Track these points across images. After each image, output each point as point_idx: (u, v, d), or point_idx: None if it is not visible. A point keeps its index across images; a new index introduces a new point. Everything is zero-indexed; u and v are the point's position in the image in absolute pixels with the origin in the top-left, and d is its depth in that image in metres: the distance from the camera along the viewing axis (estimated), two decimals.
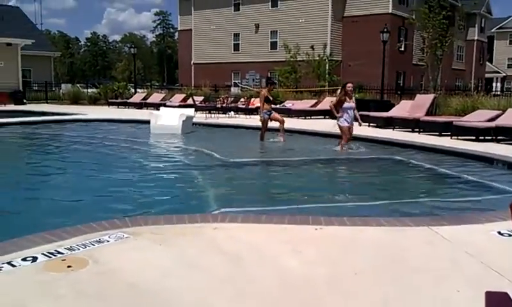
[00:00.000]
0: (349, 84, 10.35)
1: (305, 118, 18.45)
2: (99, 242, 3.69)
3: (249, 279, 3.19)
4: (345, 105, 10.07)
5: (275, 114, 11.70)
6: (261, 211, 5.02)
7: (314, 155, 10.08)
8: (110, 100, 26.33)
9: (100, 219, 4.25)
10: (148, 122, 13.52)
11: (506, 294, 1.80)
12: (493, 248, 3.89)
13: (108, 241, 3.72)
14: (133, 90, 30.80)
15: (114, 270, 3.23)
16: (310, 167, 8.94)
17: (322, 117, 18.88)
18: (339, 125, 10.18)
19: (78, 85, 38.83)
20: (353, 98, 10.39)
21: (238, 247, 3.73)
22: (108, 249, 3.57)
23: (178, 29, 47.82)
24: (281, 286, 3.11)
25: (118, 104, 25.54)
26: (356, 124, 10.36)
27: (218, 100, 20.62)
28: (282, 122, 11.58)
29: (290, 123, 13.58)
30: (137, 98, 26.46)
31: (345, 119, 10.08)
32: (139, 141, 11.91)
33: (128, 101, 25.84)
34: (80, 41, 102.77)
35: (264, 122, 11.53)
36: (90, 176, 7.53)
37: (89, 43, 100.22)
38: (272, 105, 12.12)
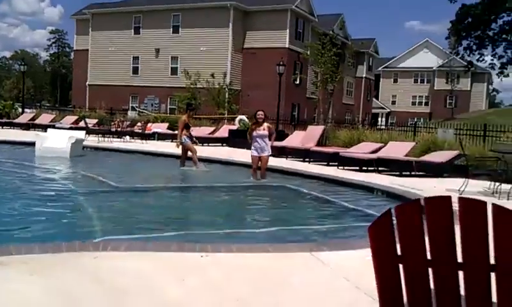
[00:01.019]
0: (259, 112, 10.03)
1: (202, 145, 18.46)
2: None
3: None
4: (254, 133, 9.92)
5: (189, 143, 11.33)
6: (147, 238, 4.88)
7: (211, 182, 10.03)
8: None
9: None
10: (33, 144, 12.67)
11: None
12: (368, 273, 4.11)
13: None
14: (21, 110, 28.77)
15: None
16: (203, 193, 8.91)
17: (220, 144, 19.05)
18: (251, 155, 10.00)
19: None
20: (265, 125, 9.94)
21: (119, 277, 3.58)
22: None
23: (74, 48, 45.90)
24: None
25: (3, 125, 23.76)
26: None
27: (113, 123, 19.96)
28: (195, 152, 11.26)
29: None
30: (24, 118, 24.81)
31: (253, 148, 9.93)
32: (21, 164, 11.06)
33: (14, 121, 24.18)
34: None
35: (184, 148, 11.22)
36: None
37: None
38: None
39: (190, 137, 11.38)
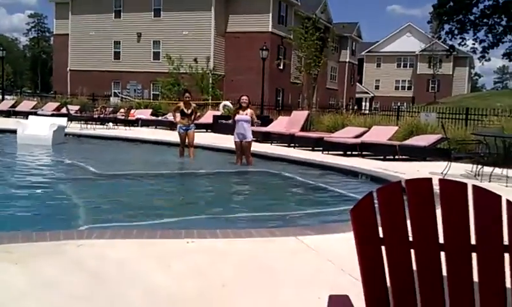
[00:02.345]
0: (243, 97, 9.98)
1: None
2: None
3: (112, 298, 3.06)
4: (237, 117, 9.86)
5: (191, 133, 10.67)
6: (132, 226, 4.86)
7: (196, 168, 9.98)
8: None
9: None
10: (15, 132, 12.47)
11: (347, 296, 1.93)
12: (353, 256, 4.16)
13: None
14: (0, 97, 28.26)
15: None
16: (191, 180, 8.89)
17: (204, 130, 18.97)
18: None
19: None
20: (248, 111, 9.88)
21: (103, 265, 3.57)
22: None
23: (54, 33, 45.00)
24: (147, 303, 3.03)
25: None
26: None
27: (96, 110, 19.73)
28: (190, 143, 10.77)
29: (173, 136, 13.38)
30: (4, 105, 24.41)
31: (236, 134, 9.84)
32: (2, 151, 10.91)
33: None
34: None
35: (180, 137, 10.71)
36: None
37: None
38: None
39: (187, 126, 10.58)
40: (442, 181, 1.89)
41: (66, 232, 4.33)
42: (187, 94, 10.51)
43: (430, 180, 1.92)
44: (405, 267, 1.97)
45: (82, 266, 3.51)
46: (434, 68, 56.23)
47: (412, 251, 1.96)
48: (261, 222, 5.67)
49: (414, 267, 1.99)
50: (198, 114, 10.82)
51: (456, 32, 34.12)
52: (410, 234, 1.97)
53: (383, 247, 1.98)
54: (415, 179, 1.95)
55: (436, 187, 1.90)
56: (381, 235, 1.98)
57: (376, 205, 1.99)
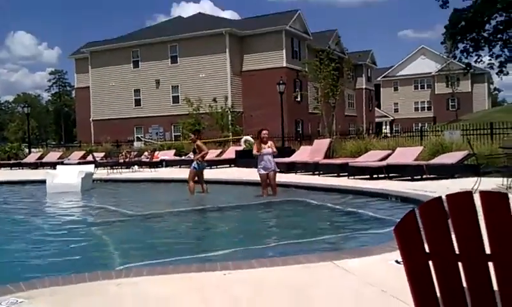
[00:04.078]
0: (264, 131, 10.16)
1: (211, 168, 18.53)
2: None
3: None
4: (263, 151, 9.99)
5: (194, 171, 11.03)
6: (168, 262, 4.88)
7: (225, 202, 10.02)
8: (2, 162, 24.56)
9: None
10: (44, 182, 12.76)
11: None
12: (392, 276, 4.10)
13: None
14: (27, 150, 29.05)
15: None
16: (218, 214, 8.92)
17: (228, 166, 19.09)
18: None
19: None
20: (269, 143, 10.09)
21: (144, 302, 3.58)
22: None
23: (75, 86, 46.44)
24: None
25: (11, 166, 23.95)
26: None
27: (120, 155, 20.10)
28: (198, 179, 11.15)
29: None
30: (32, 157, 25.05)
31: (260, 167, 10.01)
32: (35, 201, 11.16)
33: (23, 161, 24.40)
34: None
35: (191, 174, 10.99)
36: None
37: None
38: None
39: (198, 163, 10.94)
40: (483, 193, 1.90)
41: (104, 272, 4.37)
42: (190, 135, 10.64)
43: (470, 192, 1.95)
44: (454, 279, 1.96)
45: (123, 304, 3.53)
46: (452, 87, 55.89)
47: (459, 263, 1.95)
48: (295, 249, 5.62)
49: (463, 279, 1.98)
50: (203, 152, 11.03)
51: (470, 50, 33.93)
52: (456, 247, 1.97)
53: (430, 262, 1.98)
54: (456, 193, 1.97)
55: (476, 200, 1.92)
56: (427, 250, 1.99)
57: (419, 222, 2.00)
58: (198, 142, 11.15)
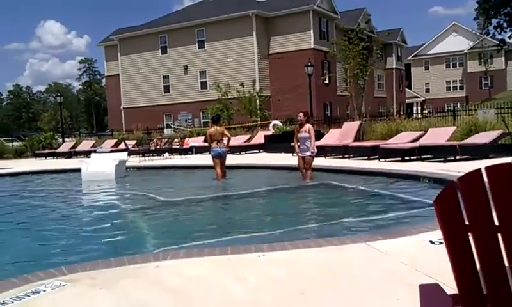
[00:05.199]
0: (299, 114, 10.27)
1: (240, 153, 18.64)
2: (34, 292, 3.51)
3: None
4: (299, 135, 10.12)
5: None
6: (204, 245, 4.99)
7: (256, 187, 10.10)
8: (37, 152, 25.25)
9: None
10: (79, 170, 13.09)
11: (437, 285, 1.93)
12: (426, 256, 4.10)
13: (44, 291, 3.54)
14: (61, 140, 29.79)
15: None
16: (253, 198, 9.02)
17: (257, 151, 19.16)
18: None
19: (1, 139, 36.92)
20: (307, 127, 10.01)
21: (183, 282, 3.68)
22: (45, 299, 3.41)
23: (105, 74, 47.15)
24: None
25: (46, 155, 24.55)
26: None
27: (152, 142, 20.41)
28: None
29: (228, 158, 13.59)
30: (65, 147, 25.64)
31: (299, 151, 10.10)
32: (71, 189, 11.48)
33: (57, 151, 24.99)
34: (1, 95, 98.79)
35: (213, 161, 11.15)
36: (23, 229, 7.16)
37: (11, 96, 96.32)
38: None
39: (217, 149, 11.02)
40: None
41: (142, 255, 4.51)
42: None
43: (510, 164, 1.93)
44: (494, 251, 1.96)
45: (163, 285, 3.64)
46: (485, 65, 54.28)
47: (499, 234, 1.95)
48: (328, 231, 5.65)
49: (503, 250, 1.97)
50: (226, 138, 11.14)
51: (505, 25, 32.93)
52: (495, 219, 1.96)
53: (470, 234, 1.98)
54: (495, 164, 1.96)
55: None
56: (466, 222, 1.98)
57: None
58: (215, 129, 11.11)
